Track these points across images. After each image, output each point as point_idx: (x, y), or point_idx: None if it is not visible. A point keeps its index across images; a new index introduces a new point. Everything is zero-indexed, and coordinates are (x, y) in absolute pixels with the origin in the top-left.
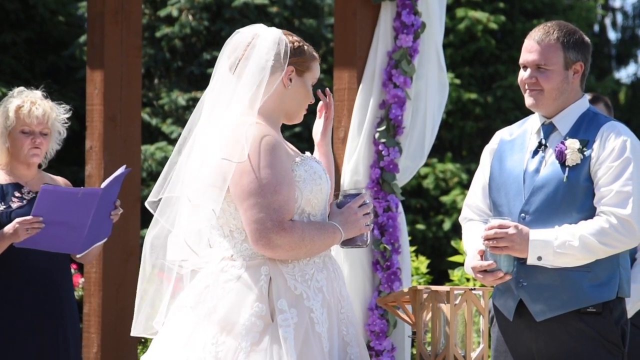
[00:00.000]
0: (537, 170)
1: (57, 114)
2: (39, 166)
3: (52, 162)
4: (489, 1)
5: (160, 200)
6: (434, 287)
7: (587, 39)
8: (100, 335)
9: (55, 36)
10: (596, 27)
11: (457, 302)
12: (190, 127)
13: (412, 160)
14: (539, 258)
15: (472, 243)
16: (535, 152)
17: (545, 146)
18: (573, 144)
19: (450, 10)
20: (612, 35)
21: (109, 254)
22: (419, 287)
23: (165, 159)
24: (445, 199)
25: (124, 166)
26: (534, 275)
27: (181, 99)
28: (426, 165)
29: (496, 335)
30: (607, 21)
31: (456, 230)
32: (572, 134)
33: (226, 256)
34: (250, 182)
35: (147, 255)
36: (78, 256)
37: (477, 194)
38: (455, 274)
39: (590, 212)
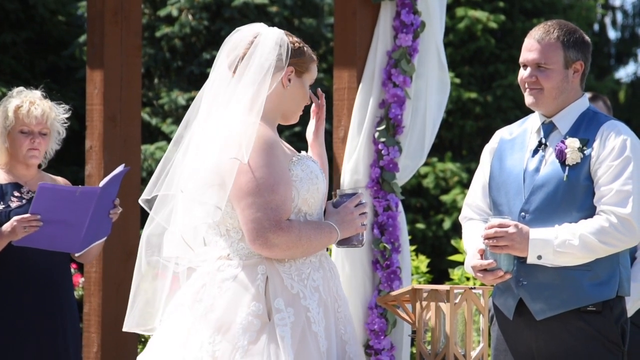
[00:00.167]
0: (537, 170)
1: (57, 114)
2: (39, 166)
3: (52, 161)
4: (488, 0)
5: (153, 197)
6: (434, 286)
7: (587, 38)
8: (100, 334)
9: (55, 36)
10: (596, 27)
11: (457, 301)
12: (187, 124)
13: (412, 159)
14: (539, 257)
15: (472, 242)
16: (536, 151)
17: (546, 145)
18: (573, 143)
19: (450, 9)
20: (612, 34)
21: (109, 253)
22: (419, 286)
23: None
24: (445, 198)
25: (123, 165)
26: (534, 274)
27: (181, 98)
28: (426, 164)
29: (496, 334)
30: (607, 20)
31: (456, 230)
32: (572, 133)
33: (223, 255)
34: (248, 182)
35: (143, 252)
36: (77, 255)
37: (477, 193)
38: (455, 273)
39: (590, 211)
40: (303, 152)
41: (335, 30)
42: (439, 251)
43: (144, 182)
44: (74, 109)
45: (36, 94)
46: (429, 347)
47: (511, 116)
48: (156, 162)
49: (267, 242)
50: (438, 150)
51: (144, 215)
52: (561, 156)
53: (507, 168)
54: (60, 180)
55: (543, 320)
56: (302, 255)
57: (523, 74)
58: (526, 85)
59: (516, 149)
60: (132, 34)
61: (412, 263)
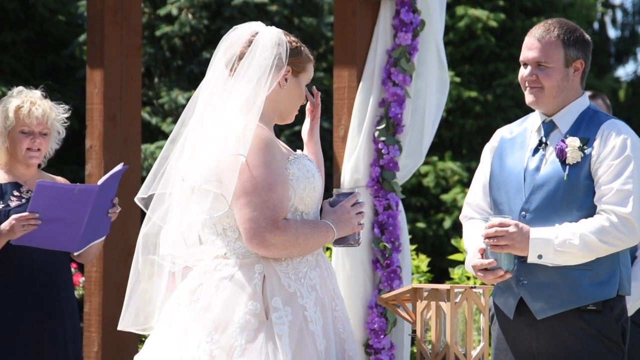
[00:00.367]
0: (538, 169)
1: (57, 113)
2: (38, 166)
3: (53, 161)
4: None
5: (150, 196)
6: (434, 285)
7: (587, 36)
8: (101, 334)
9: (55, 35)
10: (596, 25)
11: (457, 300)
12: (183, 122)
13: (412, 158)
14: (540, 256)
15: (472, 241)
16: (536, 150)
17: (546, 144)
18: (573, 142)
19: (450, 8)
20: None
21: (109, 253)
22: (420, 285)
23: None
24: (445, 197)
25: (122, 163)
26: (535, 274)
27: (181, 97)
28: (426, 163)
29: (496, 334)
30: (607, 18)
31: (456, 229)
32: (573, 132)
33: (219, 254)
34: (245, 181)
35: (139, 251)
36: (75, 253)
37: (478, 193)
38: (455, 272)
39: (590, 211)
40: (299, 151)
41: (335, 29)
42: (440, 250)
43: (144, 181)
44: (74, 108)
45: (36, 94)
46: (429, 347)
47: (511, 115)
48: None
49: (264, 241)
50: (438, 149)
51: (144, 215)
52: (561, 155)
53: (507, 167)
54: (60, 179)
55: (543, 320)
56: (299, 254)
57: (523, 72)
58: (526, 84)
59: (516, 148)
60: (132, 33)
61: (412, 262)
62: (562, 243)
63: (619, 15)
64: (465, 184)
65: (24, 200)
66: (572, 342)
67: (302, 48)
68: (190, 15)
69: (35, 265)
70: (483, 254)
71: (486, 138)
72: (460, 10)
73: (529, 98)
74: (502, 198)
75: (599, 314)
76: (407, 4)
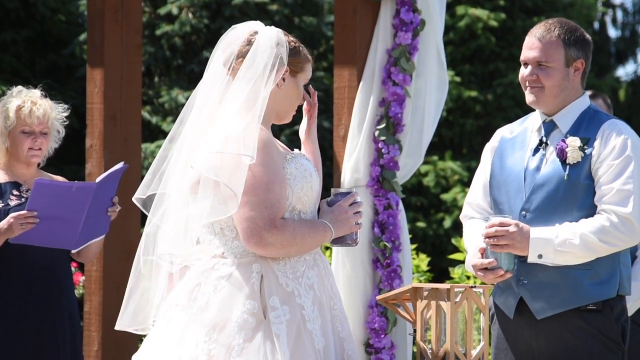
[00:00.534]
0: (538, 168)
1: (57, 113)
2: (38, 165)
3: (53, 160)
4: None
5: (149, 196)
6: (434, 285)
7: (588, 36)
8: (101, 333)
9: (55, 34)
10: (596, 25)
11: (457, 299)
12: (181, 121)
13: (412, 157)
14: (540, 256)
15: (472, 241)
16: (536, 150)
17: (546, 144)
18: (574, 141)
19: (450, 7)
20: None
21: (109, 252)
22: (420, 284)
23: None
24: (445, 196)
25: (122, 162)
26: (535, 273)
27: (181, 97)
28: (426, 162)
29: (497, 333)
30: (607, 18)
31: (457, 228)
32: (573, 131)
33: (217, 254)
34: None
35: (141, 251)
36: (74, 251)
37: (478, 192)
38: (455, 272)
39: (590, 210)
40: (296, 150)
41: (336, 28)
42: (440, 250)
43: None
44: (74, 107)
45: (36, 94)
46: (429, 346)
47: (511, 114)
48: None
49: (262, 240)
50: (438, 148)
51: (144, 214)
52: (562, 155)
53: (507, 167)
54: (59, 179)
55: (543, 319)
56: (297, 253)
57: (524, 72)
58: (527, 84)
59: (517, 147)
60: (133, 32)
61: (412, 262)
62: (563, 243)
63: (620, 15)
64: (466, 184)
65: (23, 200)
66: (572, 342)
67: (301, 48)
68: (190, 15)
69: (36, 265)
70: (483, 253)
71: (486, 138)
72: (460, 9)
73: (529, 98)
74: (503, 198)
75: (599, 314)
76: (407, 3)
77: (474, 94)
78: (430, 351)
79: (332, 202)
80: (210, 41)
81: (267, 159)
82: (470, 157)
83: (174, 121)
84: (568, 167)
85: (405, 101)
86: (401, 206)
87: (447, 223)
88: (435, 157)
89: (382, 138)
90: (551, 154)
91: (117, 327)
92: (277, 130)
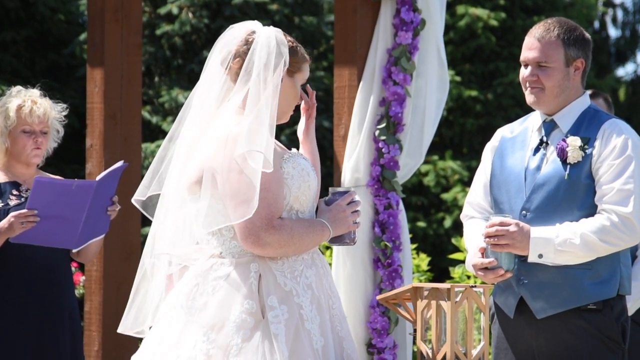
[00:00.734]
0: (539, 168)
1: (56, 112)
2: (37, 165)
3: (53, 160)
4: None
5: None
6: (434, 285)
7: (587, 35)
8: (101, 333)
9: (56, 34)
10: (596, 24)
11: (457, 299)
12: (180, 121)
13: (412, 157)
14: (540, 256)
15: (473, 240)
16: (537, 150)
17: (547, 144)
18: (574, 141)
19: (450, 7)
20: (613, 32)
21: (109, 252)
22: (420, 284)
23: None
24: (446, 196)
25: (122, 161)
26: (535, 273)
27: (181, 97)
28: (427, 162)
29: (497, 333)
30: (608, 18)
31: (457, 228)
32: (574, 131)
33: (215, 254)
34: (240, 180)
35: (146, 254)
36: (74, 251)
37: (479, 192)
38: (456, 272)
39: (591, 210)
40: (294, 150)
41: (336, 28)
42: (440, 249)
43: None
44: (74, 107)
45: (36, 93)
46: (429, 346)
47: (512, 114)
48: None
49: (259, 240)
50: (439, 148)
51: (144, 214)
52: (562, 155)
53: (508, 166)
54: (59, 179)
55: (544, 319)
56: (295, 253)
57: (524, 72)
58: (527, 84)
59: (517, 147)
60: (133, 32)
61: (412, 261)
62: (563, 242)
63: (620, 14)
64: (466, 183)
65: (23, 199)
66: (572, 342)
67: (298, 48)
68: (190, 14)
69: (36, 264)
70: (483, 253)
71: (487, 137)
72: (460, 9)
73: (529, 98)
74: (503, 197)
75: (599, 313)
76: (408, 3)
77: (474, 93)
78: (431, 351)
79: (330, 201)
80: (211, 41)
81: None
82: (471, 157)
83: (174, 121)
84: (568, 166)
85: (406, 101)
86: (401, 206)
87: (448, 223)
88: (435, 157)
89: (383, 138)
90: (552, 153)
91: (119, 330)
92: (277, 130)
